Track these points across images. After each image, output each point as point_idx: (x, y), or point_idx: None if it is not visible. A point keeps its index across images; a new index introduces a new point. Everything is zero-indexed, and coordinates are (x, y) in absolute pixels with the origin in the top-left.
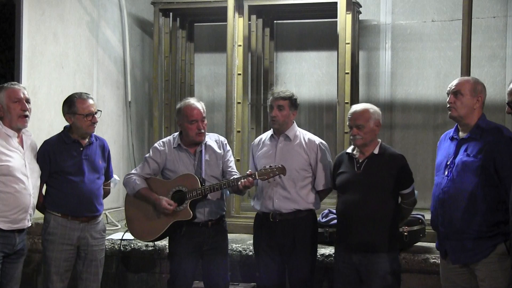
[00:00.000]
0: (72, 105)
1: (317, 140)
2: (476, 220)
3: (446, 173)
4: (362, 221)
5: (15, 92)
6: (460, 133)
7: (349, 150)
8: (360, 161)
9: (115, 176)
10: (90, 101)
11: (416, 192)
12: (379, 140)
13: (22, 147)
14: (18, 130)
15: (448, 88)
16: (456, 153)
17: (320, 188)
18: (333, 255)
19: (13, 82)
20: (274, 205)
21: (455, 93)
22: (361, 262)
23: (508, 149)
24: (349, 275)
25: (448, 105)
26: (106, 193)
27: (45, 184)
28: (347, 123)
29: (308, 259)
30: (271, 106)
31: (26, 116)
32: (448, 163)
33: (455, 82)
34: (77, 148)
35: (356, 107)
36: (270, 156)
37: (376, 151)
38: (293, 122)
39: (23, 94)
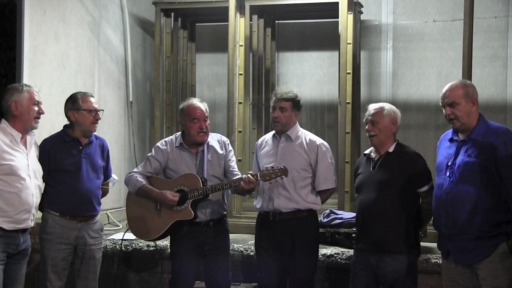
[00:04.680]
0: (76, 101)
1: (318, 140)
2: (479, 220)
3: (448, 174)
4: (377, 221)
5: (35, 95)
6: (460, 134)
7: (366, 151)
8: (376, 160)
9: (113, 176)
10: (93, 99)
11: None
12: (397, 139)
13: (26, 147)
14: (25, 132)
15: (441, 100)
16: (456, 154)
17: (320, 188)
18: (335, 255)
19: (27, 84)
20: (274, 204)
21: (451, 104)
22: (377, 263)
23: (509, 148)
24: (366, 277)
25: (448, 118)
26: (105, 192)
27: (44, 183)
28: (364, 120)
29: (308, 260)
30: (273, 107)
31: (40, 118)
32: (449, 164)
33: (446, 92)
34: (77, 147)
35: (373, 105)
36: (272, 156)
37: (391, 150)
38: (296, 122)
39: (39, 97)
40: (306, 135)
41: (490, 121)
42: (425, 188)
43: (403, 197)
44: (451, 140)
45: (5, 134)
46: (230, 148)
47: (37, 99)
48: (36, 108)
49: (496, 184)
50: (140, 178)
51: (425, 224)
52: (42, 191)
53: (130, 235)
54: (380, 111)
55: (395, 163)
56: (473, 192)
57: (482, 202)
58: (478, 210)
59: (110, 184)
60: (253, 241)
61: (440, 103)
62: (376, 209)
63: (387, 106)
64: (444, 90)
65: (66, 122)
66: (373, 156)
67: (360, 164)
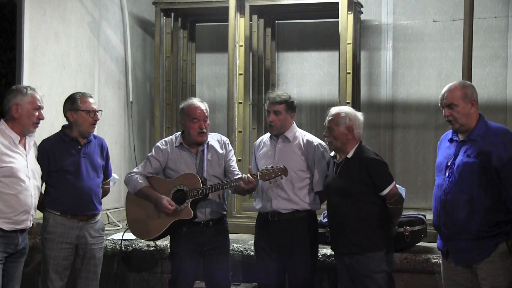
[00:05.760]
0: (75, 102)
1: (316, 141)
2: (478, 220)
3: (447, 174)
4: (342, 225)
5: (37, 100)
6: (460, 135)
7: (332, 153)
8: (338, 164)
9: (114, 175)
10: (92, 100)
11: (403, 189)
12: (360, 142)
13: (25, 148)
14: (23, 134)
15: (440, 101)
16: (456, 154)
17: (318, 189)
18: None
19: (32, 87)
20: (273, 205)
21: (449, 106)
22: (350, 263)
23: (508, 149)
24: (345, 276)
25: (446, 119)
26: (106, 192)
27: (44, 183)
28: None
29: (307, 260)
30: (268, 111)
31: (39, 123)
32: (449, 164)
33: (445, 94)
34: (76, 147)
35: (332, 110)
36: (269, 157)
37: (349, 155)
38: (293, 122)
39: (42, 103)
40: (303, 135)
41: (490, 121)
42: (385, 192)
43: (363, 202)
44: (450, 140)
45: (4, 136)
46: (230, 147)
47: (39, 104)
48: (37, 113)
49: (496, 184)
50: (140, 180)
51: (395, 221)
52: (41, 191)
53: (129, 235)
54: (335, 118)
55: (353, 169)
56: (472, 192)
57: (481, 202)
58: (477, 210)
59: (111, 184)
60: (253, 241)
61: (439, 104)
62: (338, 215)
63: (344, 112)
64: (443, 91)
65: (66, 122)
66: (337, 159)
67: (329, 165)
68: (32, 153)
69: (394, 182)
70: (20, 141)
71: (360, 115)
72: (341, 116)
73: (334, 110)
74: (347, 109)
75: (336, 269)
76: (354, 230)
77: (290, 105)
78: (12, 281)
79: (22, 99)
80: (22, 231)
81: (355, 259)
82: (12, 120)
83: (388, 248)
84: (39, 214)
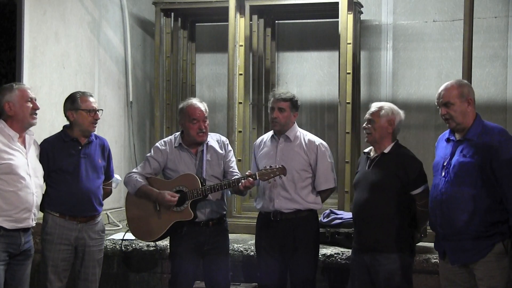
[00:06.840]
0: (75, 101)
1: (317, 141)
2: (474, 220)
3: (443, 174)
4: (369, 220)
5: (27, 92)
6: (456, 134)
7: (366, 149)
8: (372, 159)
9: (116, 176)
10: (92, 99)
11: None
12: (397, 140)
13: (25, 146)
14: (23, 130)
15: (437, 100)
16: (452, 154)
17: (320, 188)
18: (335, 255)
19: (19, 83)
20: (275, 205)
21: (445, 104)
22: (371, 262)
23: (504, 148)
24: (362, 275)
25: (443, 118)
26: (108, 193)
27: (44, 184)
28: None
29: (309, 259)
30: (272, 108)
31: (36, 113)
32: (445, 164)
33: (441, 92)
34: (76, 147)
35: (375, 104)
36: (271, 157)
37: (386, 150)
38: (294, 123)
39: (32, 93)
40: (304, 135)
41: (487, 121)
42: (418, 191)
43: (394, 198)
44: (447, 140)
45: (3, 134)
46: (230, 148)
47: (30, 96)
48: (31, 105)
49: (492, 184)
50: (139, 178)
51: (421, 225)
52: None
53: (130, 235)
54: (378, 110)
55: (389, 164)
56: (468, 192)
57: (478, 202)
58: (474, 210)
59: (113, 185)
60: (253, 241)
61: (436, 103)
62: (367, 209)
63: (387, 106)
64: (439, 90)
65: (66, 122)
66: (371, 155)
67: (360, 162)
68: (33, 151)
69: (427, 184)
70: (19, 139)
71: (402, 112)
72: (384, 109)
73: (376, 104)
74: (389, 104)
75: (352, 267)
76: (380, 227)
77: (294, 103)
78: (19, 284)
79: (11, 96)
80: (24, 230)
81: (376, 258)
82: (10, 119)
83: (411, 251)
84: (40, 214)
